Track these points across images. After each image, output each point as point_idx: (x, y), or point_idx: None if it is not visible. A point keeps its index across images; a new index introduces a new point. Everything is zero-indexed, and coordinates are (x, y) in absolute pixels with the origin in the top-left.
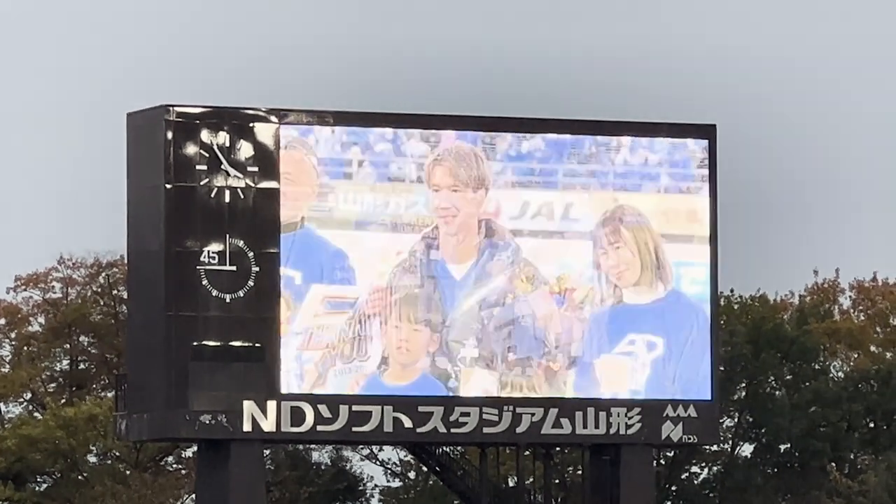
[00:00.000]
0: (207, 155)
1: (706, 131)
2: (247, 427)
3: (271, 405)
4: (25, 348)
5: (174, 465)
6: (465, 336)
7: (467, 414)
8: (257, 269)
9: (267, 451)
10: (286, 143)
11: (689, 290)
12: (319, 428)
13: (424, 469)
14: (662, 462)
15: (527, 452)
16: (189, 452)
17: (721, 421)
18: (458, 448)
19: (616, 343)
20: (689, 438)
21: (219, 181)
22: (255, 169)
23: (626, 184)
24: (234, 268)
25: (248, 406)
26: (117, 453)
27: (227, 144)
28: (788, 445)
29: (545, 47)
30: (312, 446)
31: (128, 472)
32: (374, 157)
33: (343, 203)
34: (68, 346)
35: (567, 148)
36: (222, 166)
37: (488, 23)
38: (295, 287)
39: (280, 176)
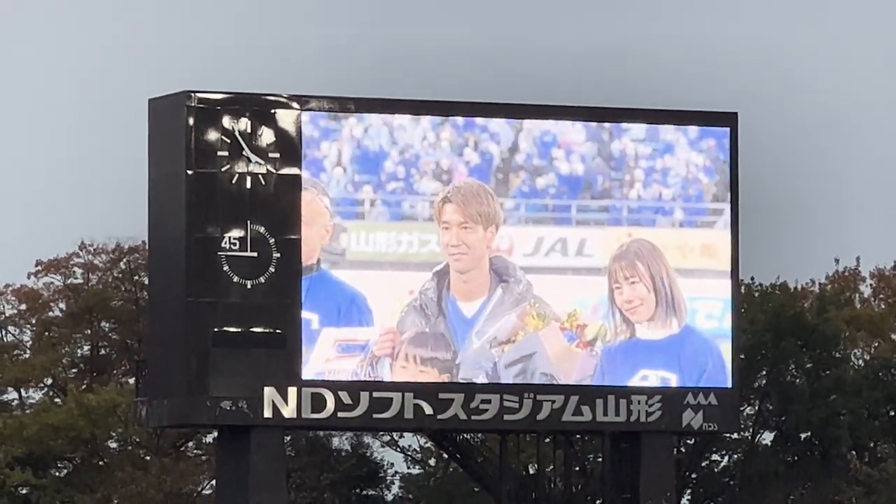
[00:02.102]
0: (229, 141)
1: (728, 119)
2: (267, 413)
3: (292, 391)
4: (46, 334)
5: (194, 451)
6: (476, 374)
7: (488, 401)
8: (278, 255)
9: (287, 438)
10: None
11: (703, 326)
12: (340, 414)
13: (445, 456)
14: (683, 450)
15: (547, 440)
16: (209, 438)
17: (741, 409)
18: (479, 435)
19: (628, 379)
20: (710, 426)
21: (240, 167)
22: (277, 155)
23: (640, 219)
24: (255, 254)
25: (269, 392)
26: (137, 439)
27: (249, 131)
28: (808, 433)
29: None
30: (333, 433)
31: (148, 458)
32: (385, 195)
33: (356, 244)
34: (89, 331)
35: (580, 184)
36: (243, 152)
37: (500, 18)
38: (310, 331)
39: (301, 162)
